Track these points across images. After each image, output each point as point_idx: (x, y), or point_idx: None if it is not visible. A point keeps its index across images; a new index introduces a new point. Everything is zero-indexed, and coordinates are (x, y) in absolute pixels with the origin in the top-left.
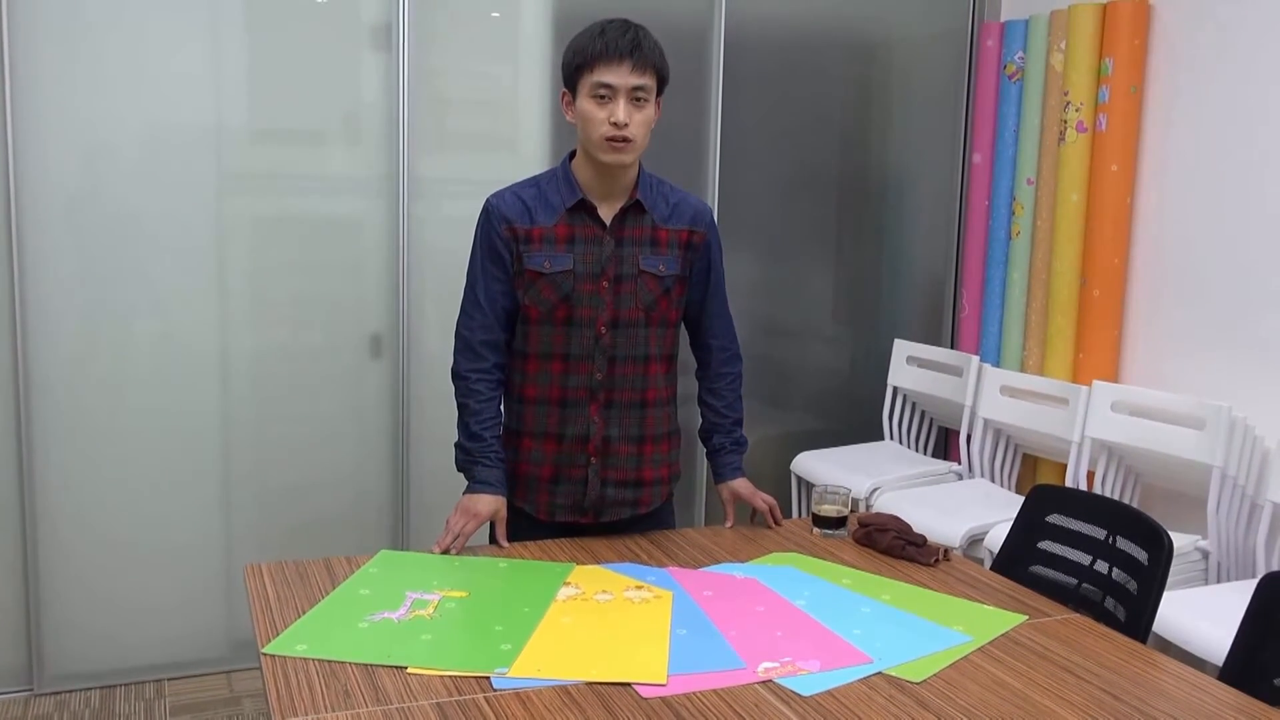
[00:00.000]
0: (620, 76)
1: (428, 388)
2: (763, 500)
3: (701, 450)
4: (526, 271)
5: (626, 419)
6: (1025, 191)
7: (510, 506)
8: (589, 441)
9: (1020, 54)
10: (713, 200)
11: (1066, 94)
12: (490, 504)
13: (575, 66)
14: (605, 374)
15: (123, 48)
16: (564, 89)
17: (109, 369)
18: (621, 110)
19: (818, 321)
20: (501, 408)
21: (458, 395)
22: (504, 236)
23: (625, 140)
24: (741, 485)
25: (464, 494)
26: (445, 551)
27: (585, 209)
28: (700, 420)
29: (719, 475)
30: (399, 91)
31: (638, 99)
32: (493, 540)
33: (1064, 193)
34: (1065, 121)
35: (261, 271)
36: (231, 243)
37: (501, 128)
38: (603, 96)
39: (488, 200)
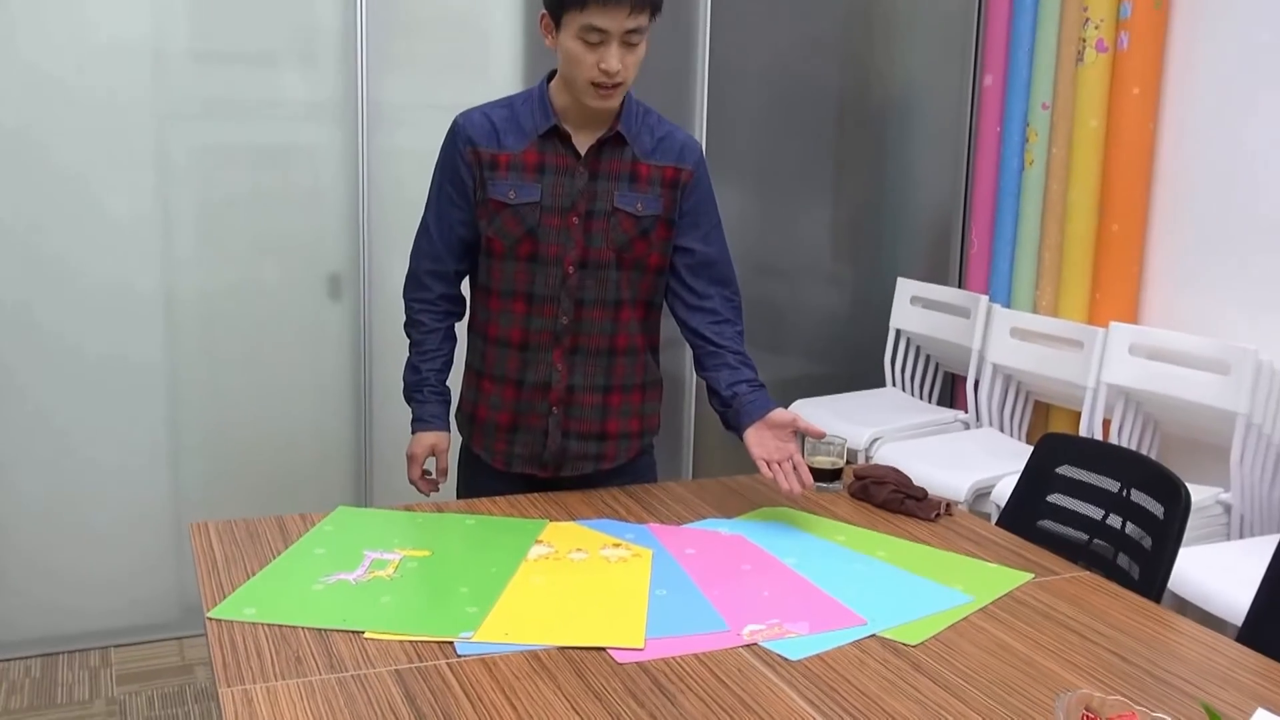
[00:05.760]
0: (616, 21)
1: (391, 331)
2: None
3: (689, 401)
4: (490, 201)
5: (592, 367)
6: (1040, 117)
7: (468, 452)
8: (551, 389)
9: None
10: (700, 129)
11: (1085, 10)
12: (424, 442)
13: (562, 1)
14: (571, 318)
15: None
16: (544, 11)
17: (43, 315)
18: (614, 57)
19: (814, 259)
20: (446, 340)
21: (404, 325)
22: (467, 160)
23: (615, 86)
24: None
25: None
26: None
27: (559, 136)
28: (710, 386)
29: (750, 417)
30: (357, 8)
31: (631, 42)
32: (459, 495)
33: (1082, 118)
34: (1084, 40)
35: (207, 206)
36: (174, 175)
37: (470, 49)
38: (594, 41)
39: (456, 119)
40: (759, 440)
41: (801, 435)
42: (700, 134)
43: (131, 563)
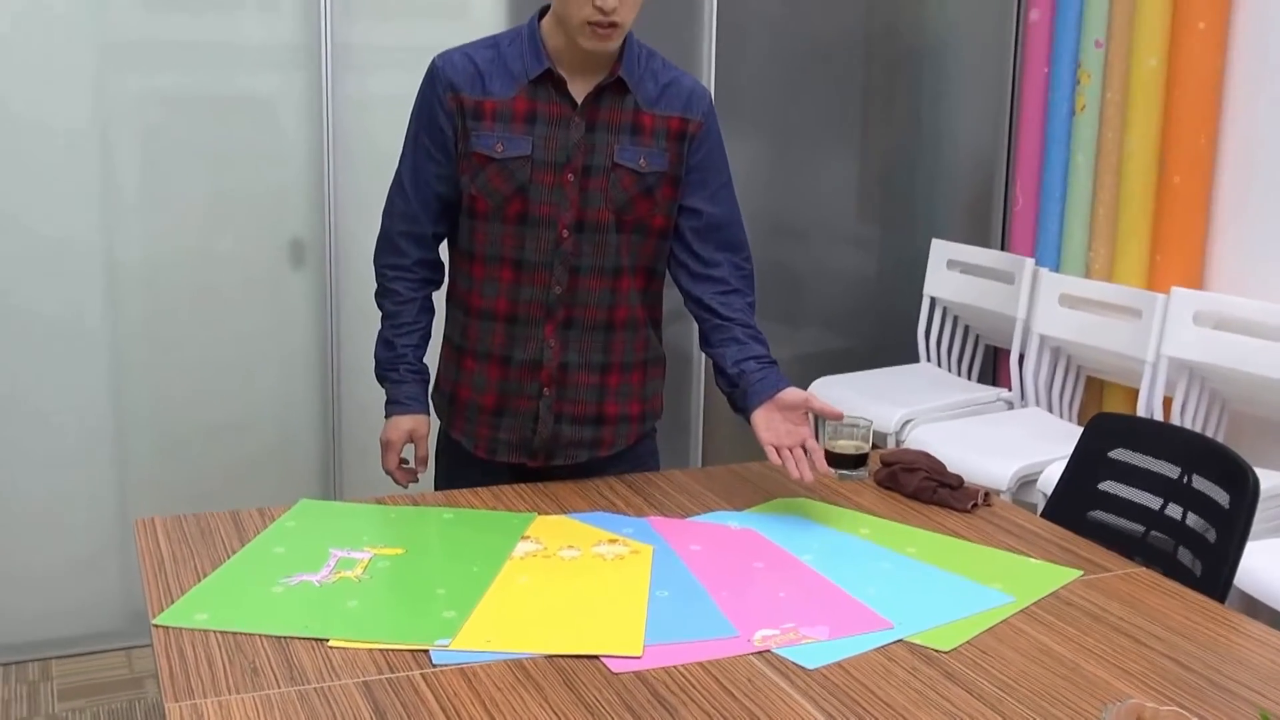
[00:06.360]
0: None
1: (362, 302)
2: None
3: (698, 380)
4: (473, 154)
5: (588, 343)
6: (1093, 56)
7: (447, 438)
8: (542, 368)
9: None
10: (709, 74)
11: None
12: (401, 427)
13: None
14: (565, 287)
15: None
16: None
17: None
18: None
19: (837, 220)
20: (423, 311)
21: (375, 294)
22: (447, 108)
23: (612, 26)
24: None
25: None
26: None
27: (553, 82)
28: (715, 363)
29: (758, 397)
30: None
31: None
32: (438, 487)
33: (1140, 57)
34: None
35: (154, 163)
36: (117, 128)
37: None
38: None
39: (434, 60)
40: (768, 423)
41: (817, 417)
42: (709, 80)
43: (73, 567)
